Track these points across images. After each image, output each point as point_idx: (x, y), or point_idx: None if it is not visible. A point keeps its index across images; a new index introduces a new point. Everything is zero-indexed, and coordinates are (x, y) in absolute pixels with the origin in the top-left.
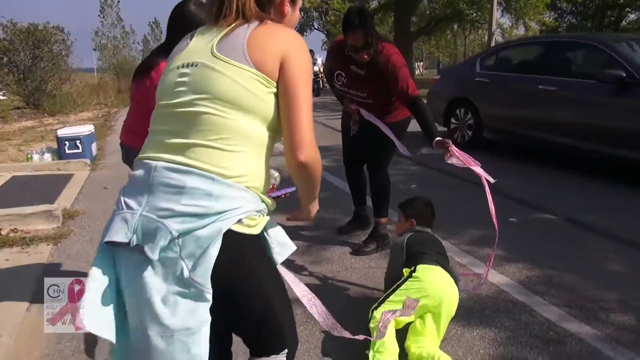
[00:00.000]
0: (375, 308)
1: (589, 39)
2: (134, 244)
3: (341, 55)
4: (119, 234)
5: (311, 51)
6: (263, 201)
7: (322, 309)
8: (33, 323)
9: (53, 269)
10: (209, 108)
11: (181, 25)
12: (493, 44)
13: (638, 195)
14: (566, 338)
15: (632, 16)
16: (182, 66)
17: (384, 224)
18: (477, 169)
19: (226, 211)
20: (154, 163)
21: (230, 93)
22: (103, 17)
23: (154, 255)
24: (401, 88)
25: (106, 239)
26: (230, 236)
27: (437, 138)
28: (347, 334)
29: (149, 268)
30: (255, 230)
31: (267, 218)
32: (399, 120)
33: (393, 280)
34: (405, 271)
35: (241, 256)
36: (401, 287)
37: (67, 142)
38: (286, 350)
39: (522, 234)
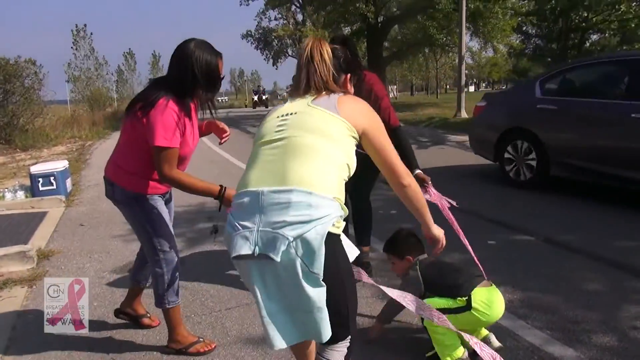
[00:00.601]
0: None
1: None
2: (257, 253)
3: None
4: (244, 249)
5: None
6: (342, 208)
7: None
8: None
9: (28, 314)
10: (305, 139)
11: (183, 63)
12: (464, 66)
13: (618, 215)
14: None
15: (594, 37)
16: (282, 115)
17: (367, 252)
18: (449, 214)
19: (324, 216)
20: (260, 189)
21: (322, 129)
22: (76, 49)
23: (277, 258)
24: (382, 119)
25: (234, 255)
26: (327, 235)
27: (417, 171)
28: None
29: (274, 268)
30: (339, 231)
31: (344, 222)
32: None
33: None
34: (460, 301)
35: (332, 250)
36: (457, 315)
37: (40, 179)
38: (349, 337)
39: (502, 256)
